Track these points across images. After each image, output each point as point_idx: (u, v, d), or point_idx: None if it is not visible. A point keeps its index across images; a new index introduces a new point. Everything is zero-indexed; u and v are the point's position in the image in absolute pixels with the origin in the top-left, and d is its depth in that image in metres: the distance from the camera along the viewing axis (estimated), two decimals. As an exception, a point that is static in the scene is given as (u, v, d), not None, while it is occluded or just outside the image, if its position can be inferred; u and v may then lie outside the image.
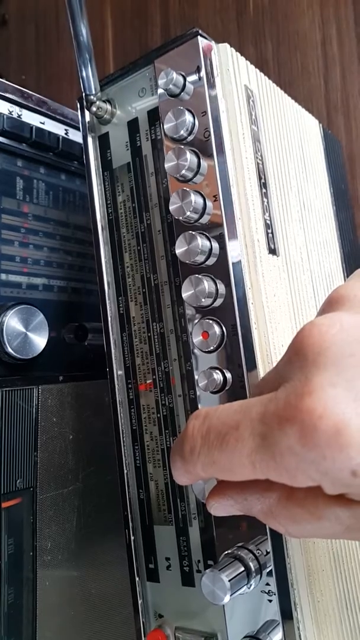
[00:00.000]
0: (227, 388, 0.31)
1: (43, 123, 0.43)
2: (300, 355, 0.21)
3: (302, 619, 0.30)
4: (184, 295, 0.31)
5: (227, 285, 0.31)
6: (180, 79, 0.32)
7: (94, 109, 0.38)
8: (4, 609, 0.37)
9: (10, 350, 0.38)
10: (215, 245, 0.31)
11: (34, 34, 1.01)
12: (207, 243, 0.31)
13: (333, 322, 0.22)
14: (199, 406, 0.32)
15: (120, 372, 0.38)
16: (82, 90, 0.38)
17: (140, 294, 0.37)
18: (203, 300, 0.30)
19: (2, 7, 1.05)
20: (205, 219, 0.32)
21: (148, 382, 0.37)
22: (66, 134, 0.44)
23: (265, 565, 0.30)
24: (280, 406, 0.20)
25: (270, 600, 0.30)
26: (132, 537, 0.37)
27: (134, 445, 0.37)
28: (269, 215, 0.35)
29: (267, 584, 0.30)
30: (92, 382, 0.44)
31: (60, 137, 0.43)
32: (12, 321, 0.38)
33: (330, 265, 0.44)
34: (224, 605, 0.32)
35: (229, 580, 0.28)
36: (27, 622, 0.38)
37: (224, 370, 0.31)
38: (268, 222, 0.35)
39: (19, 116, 0.41)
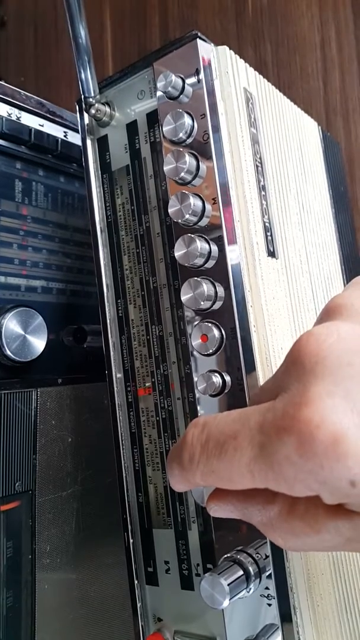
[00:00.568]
0: (226, 391, 0.31)
1: (42, 125, 0.43)
2: (297, 364, 0.21)
3: (302, 623, 0.30)
4: (183, 298, 0.31)
5: (226, 288, 0.31)
6: (179, 81, 0.32)
7: (92, 111, 0.38)
8: (3, 612, 0.37)
9: (9, 352, 0.37)
10: (214, 248, 0.31)
11: (33, 35, 1.01)
12: (206, 246, 0.31)
13: (330, 331, 0.22)
14: (198, 409, 0.32)
15: (119, 375, 0.38)
16: (81, 92, 0.38)
17: (139, 296, 0.37)
18: (202, 303, 0.30)
19: (0, 9, 1.05)
20: (204, 222, 0.32)
21: (147, 385, 0.36)
22: (65, 136, 0.44)
23: (264, 569, 0.30)
24: (278, 416, 0.20)
25: (269, 604, 0.30)
26: (131, 541, 0.37)
27: (133, 448, 0.37)
28: (268, 218, 0.35)
29: (267, 588, 0.30)
30: (91, 384, 0.44)
31: (59, 140, 0.43)
32: (11, 324, 0.38)
33: (329, 268, 0.43)
34: (223, 609, 0.32)
35: (228, 585, 0.28)
36: (26, 626, 0.38)
37: (223, 374, 0.31)
38: (267, 224, 0.35)
39: (18, 118, 0.41)
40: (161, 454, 0.36)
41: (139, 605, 0.36)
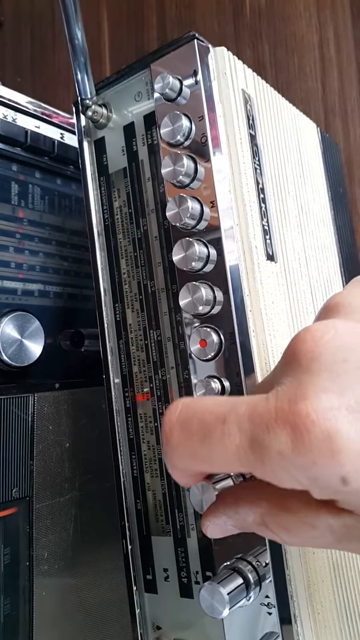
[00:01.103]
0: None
1: (38, 127, 0.42)
2: (294, 360, 0.21)
3: (302, 631, 0.29)
4: (181, 303, 0.30)
5: (225, 292, 0.31)
6: (177, 83, 0.32)
7: (89, 113, 0.37)
8: (1, 620, 0.36)
9: (5, 357, 0.37)
10: (213, 251, 0.31)
11: (30, 36, 1.01)
12: (205, 250, 0.31)
13: (328, 328, 0.22)
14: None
15: (117, 380, 0.37)
16: (78, 94, 0.37)
17: (137, 300, 0.36)
18: (200, 308, 0.30)
19: (-3, 10, 1.05)
20: (202, 225, 0.31)
21: (145, 390, 0.36)
22: (62, 138, 0.44)
23: (264, 576, 0.29)
24: (271, 408, 0.20)
25: (269, 613, 0.30)
26: (130, 548, 0.36)
27: (131, 454, 0.37)
28: (267, 221, 0.35)
29: (267, 596, 0.30)
30: (89, 389, 0.44)
31: (56, 142, 0.43)
32: (8, 328, 0.38)
33: (328, 270, 0.43)
34: (222, 618, 0.31)
35: (228, 594, 0.27)
36: (24, 633, 0.38)
37: (222, 379, 0.30)
38: (266, 227, 0.34)
39: (14, 120, 0.41)
40: (159, 460, 0.36)
41: (137, 613, 0.36)
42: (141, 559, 0.36)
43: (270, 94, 0.39)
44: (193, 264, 0.30)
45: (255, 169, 0.35)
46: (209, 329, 0.31)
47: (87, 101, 0.37)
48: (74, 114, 0.39)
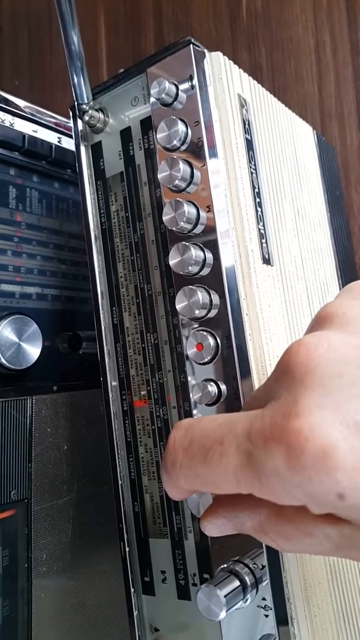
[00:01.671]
0: (222, 400, 0.31)
1: (36, 131, 0.42)
2: (288, 374, 0.21)
3: (299, 634, 0.30)
4: (178, 306, 0.31)
5: (222, 296, 0.31)
6: (173, 88, 0.32)
7: (86, 117, 0.38)
8: (-1, 621, 0.36)
9: (3, 360, 0.37)
10: (209, 255, 0.31)
11: (27, 39, 1.01)
12: (201, 253, 0.31)
13: (321, 341, 0.21)
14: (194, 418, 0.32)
15: (114, 383, 0.37)
16: (75, 99, 0.37)
17: (134, 304, 0.37)
18: (197, 311, 0.30)
19: (-5, 13, 1.05)
20: (199, 229, 0.32)
21: (142, 394, 0.36)
22: (59, 141, 0.44)
23: (261, 579, 0.30)
24: (266, 425, 0.20)
25: (266, 615, 0.30)
26: (127, 550, 0.36)
27: (128, 457, 0.37)
28: (263, 225, 0.35)
29: (263, 599, 0.30)
30: (87, 391, 0.44)
31: (53, 145, 0.43)
32: (5, 331, 0.38)
33: (325, 273, 0.43)
34: (220, 620, 0.31)
35: (225, 596, 0.27)
36: (23, 635, 0.38)
37: (219, 382, 0.31)
38: (262, 231, 0.35)
39: (11, 125, 0.41)
40: (157, 463, 0.36)
41: (135, 614, 0.36)
42: (139, 561, 0.36)
43: (266, 98, 0.40)
44: (189, 267, 0.30)
45: (252, 173, 0.35)
46: (205, 333, 0.31)
47: (84, 106, 0.37)
48: (71, 119, 0.39)
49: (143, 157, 0.36)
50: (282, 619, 0.30)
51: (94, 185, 0.39)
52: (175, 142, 0.32)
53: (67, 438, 0.42)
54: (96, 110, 0.38)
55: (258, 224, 0.34)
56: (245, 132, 0.35)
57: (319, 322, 0.24)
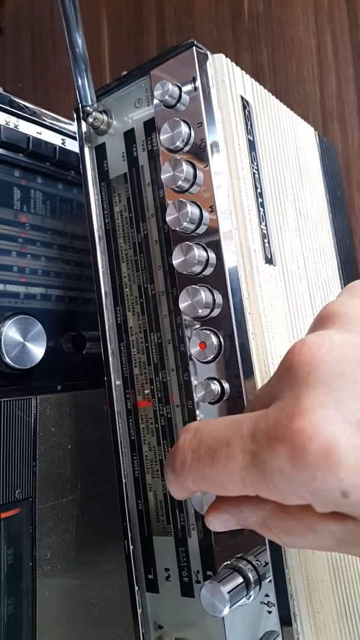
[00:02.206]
0: (225, 398, 0.31)
1: (40, 133, 0.43)
2: (290, 373, 0.21)
3: (302, 630, 0.30)
4: (181, 306, 0.31)
5: (224, 295, 0.31)
6: (176, 89, 0.32)
7: (90, 119, 0.38)
8: (4, 620, 0.37)
9: (8, 360, 0.37)
10: (212, 255, 0.31)
11: (30, 41, 1.01)
12: (204, 253, 0.31)
13: (323, 340, 0.22)
14: (197, 416, 0.32)
15: (118, 382, 0.38)
16: (79, 101, 0.38)
17: (137, 304, 0.37)
18: (200, 311, 0.30)
19: (-2, 15, 1.06)
20: (202, 230, 0.32)
21: (146, 393, 0.36)
22: (63, 143, 0.44)
23: (264, 576, 0.30)
24: (270, 425, 0.20)
25: (269, 612, 0.30)
26: (131, 548, 0.37)
27: (132, 455, 0.37)
28: (265, 225, 0.35)
29: (267, 595, 0.30)
30: (91, 391, 0.44)
31: (57, 147, 0.43)
32: (10, 331, 0.38)
33: (327, 273, 0.44)
34: (223, 617, 0.32)
35: (228, 592, 0.28)
36: (27, 633, 0.38)
37: (222, 381, 0.31)
38: (264, 231, 0.35)
39: (16, 126, 0.41)
40: (160, 462, 0.36)
41: (139, 612, 0.36)
42: (143, 559, 0.37)
43: (268, 100, 0.40)
44: (192, 267, 0.31)
45: (254, 173, 0.35)
46: (208, 332, 0.31)
47: (88, 108, 0.38)
48: (75, 121, 0.39)
49: (146, 159, 0.37)
50: (285, 616, 0.30)
51: (97, 186, 0.39)
52: (178, 143, 0.32)
53: (71, 437, 0.42)
54: (100, 112, 0.38)
55: (260, 224, 0.35)
56: (248, 133, 0.35)
57: (321, 322, 0.24)
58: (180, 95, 0.32)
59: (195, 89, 0.32)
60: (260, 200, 0.35)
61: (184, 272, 0.31)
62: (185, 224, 0.31)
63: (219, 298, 0.31)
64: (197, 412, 0.32)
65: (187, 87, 0.33)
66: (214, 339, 0.31)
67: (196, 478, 0.23)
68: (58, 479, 0.41)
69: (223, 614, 0.28)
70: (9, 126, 0.41)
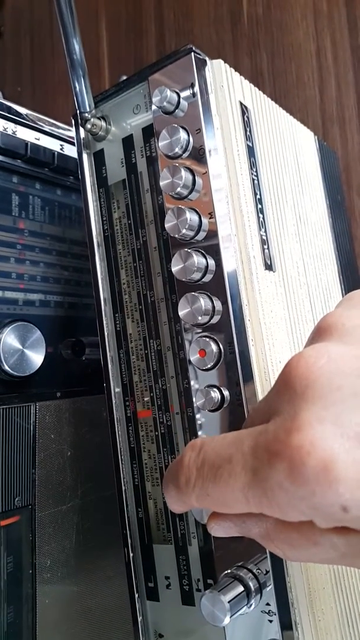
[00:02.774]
0: (225, 406, 0.31)
1: (38, 139, 0.43)
2: (289, 387, 0.21)
3: (303, 638, 0.30)
4: (181, 313, 0.31)
5: (224, 302, 0.31)
6: (175, 96, 0.32)
7: (88, 126, 0.38)
8: (4, 627, 0.36)
9: (7, 367, 0.37)
10: (212, 262, 0.31)
11: (29, 45, 1.02)
12: (203, 260, 0.31)
13: (320, 353, 0.21)
14: (197, 424, 0.32)
15: (117, 389, 0.37)
16: (77, 107, 0.38)
17: (136, 310, 0.37)
18: (200, 318, 0.30)
19: (-3, 19, 1.06)
20: (201, 236, 0.32)
21: (146, 400, 0.36)
22: (61, 149, 0.44)
23: (265, 584, 0.30)
24: (269, 440, 0.20)
25: (270, 621, 0.30)
26: (132, 556, 0.36)
27: (132, 463, 0.37)
28: (265, 231, 0.35)
29: (267, 604, 0.30)
30: (90, 397, 0.44)
31: (56, 153, 0.43)
32: (9, 338, 0.38)
33: (327, 278, 0.43)
34: (224, 626, 0.32)
35: (229, 602, 0.28)
36: (27, 641, 0.38)
37: (222, 388, 0.31)
38: (264, 237, 0.35)
39: (14, 133, 0.41)
40: (160, 469, 0.36)
41: (139, 620, 0.36)
42: (143, 567, 0.36)
43: (267, 105, 0.40)
44: (192, 274, 0.31)
45: (253, 179, 0.35)
46: (208, 339, 0.31)
47: (86, 114, 0.38)
48: (73, 127, 0.39)
49: (145, 165, 0.37)
50: (286, 624, 0.30)
51: (96, 192, 0.39)
52: (177, 149, 0.32)
53: (70, 444, 0.42)
54: (98, 118, 0.38)
55: (260, 230, 0.34)
56: (247, 139, 0.35)
57: (319, 334, 0.24)
58: (178, 102, 0.32)
59: (194, 94, 0.32)
60: (259, 206, 0.35)
61: (183, 279, 0.31)
62: (184, 230, 0.31)
63: (218, 305, 0.31)
64: (197, 418, 0.32)
65: (186, 93, 0.33)
66: (214, 347, 0.31)
67: (200, 496, 0.23)
68: (58, 486, 0.41)
69: (224, 623, 0.28)
70: (7, 132, 0.40)
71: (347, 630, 0.33)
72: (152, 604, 0.36)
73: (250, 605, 0.29)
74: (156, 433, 0.36)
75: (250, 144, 0.35)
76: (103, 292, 0.38)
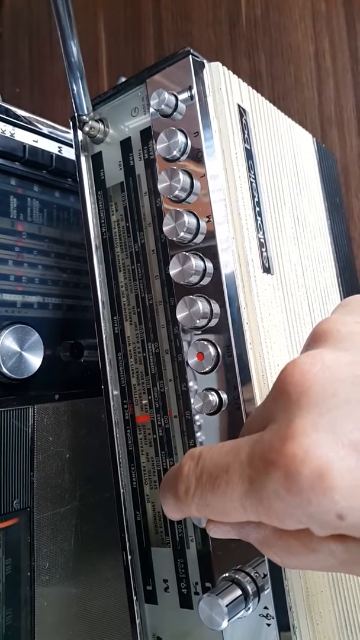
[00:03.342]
0: (223, 409, 0.31)
1: (36, 141, 0.43)
2: (284, 394, 0.21)
3: (302, 642, 0.30)
4: (179, 316, 0.31)
5: (222, 305, 0.31)
6: (172, 99, 0.32)
7: (86, 128, 0.38)
8: (2, 630, 0.36)
9: (5, 370, 0.37)
10: (210, 265, 0.31)
11: (28, 47, 1.02)
12: (201, 263, 0.31)
13: (315, 360, 0.21)
14: (195, 427, 0.32)
15: (115, 392, 0.37)
16: (75, 110, 0.38)
17: (135, 313, 0.37)
18: (198, 321, 0.30)
19: (-4, 21, 1.06)
20: (199, 239, 0.32)
21: (144, 403, 0.36)
22: (59, 151, 0.44)
23: (263, 587, 0.30)
24: (265, 449, 0.20)
25: (268, 624, 0.30)
26: (130, 559, 0.36)
27: (130, 466, 0.37)
28: (263, 234, 0.35)
29: (265, 607, 0.30)
30: (88, 400, 0.44)
31: (54, 155, 0.43)
32: (7, 341, 0.38)
33: (325, 280, 0.43)
34: (222, 629, 0.31)
35: (227, 605, 0.27)
36: (26, 644, 0.38)
37: (220, 392, 0.31)
38: (262, 240, 0.35)
39: (12, 135, 0.41)
40: (159, 472, 0.36)
41: (138, 623, 0.36)
42: (141, 570, 0.36)
43: (265, 107, 0.40)
44: (190, 278, 0.31)
45: (251, 182, 0.35)
46: (206, 342, 0.31)
47: (84, 117, 0.38)
48: (71, 129, 0.39)
49: (143, 168, 0.37)
50: (284, 628, 0.30)
51: (94, 195, 0.39)
52: (175, 152, 0.32)
53: (69, 446, 0.42)
54: (96, 120, 0.38)
55: (258, 233, 0.34)
56: (245, 142, 0.35)
57: (314, 340, 0.24)
58: (176, 104, 0.32)
59: (192, 97, 0.32)
60: (257, 209, 0.35)
61: (181, 282, 0.31)
62: (182, 234, 0.31)
63: (216, 308, 0.31)
64: (195, 420, 0.32)
65: (184, 96, 0.33)
66: (212, 350, 0.31)
67: (200, 505, 0.23)
68: (56, 488, 0.41)
69: (222, 627, 0.28)
70: (4, 135, 0.40)
71: (345, 634, 0.33)
72: (150, 607, 0.36)
73: (248, 608, 0.29)
74: (154, 436, 0.36)
75: (248, 147, 0.35)
76: (101, 295, 0.38)
